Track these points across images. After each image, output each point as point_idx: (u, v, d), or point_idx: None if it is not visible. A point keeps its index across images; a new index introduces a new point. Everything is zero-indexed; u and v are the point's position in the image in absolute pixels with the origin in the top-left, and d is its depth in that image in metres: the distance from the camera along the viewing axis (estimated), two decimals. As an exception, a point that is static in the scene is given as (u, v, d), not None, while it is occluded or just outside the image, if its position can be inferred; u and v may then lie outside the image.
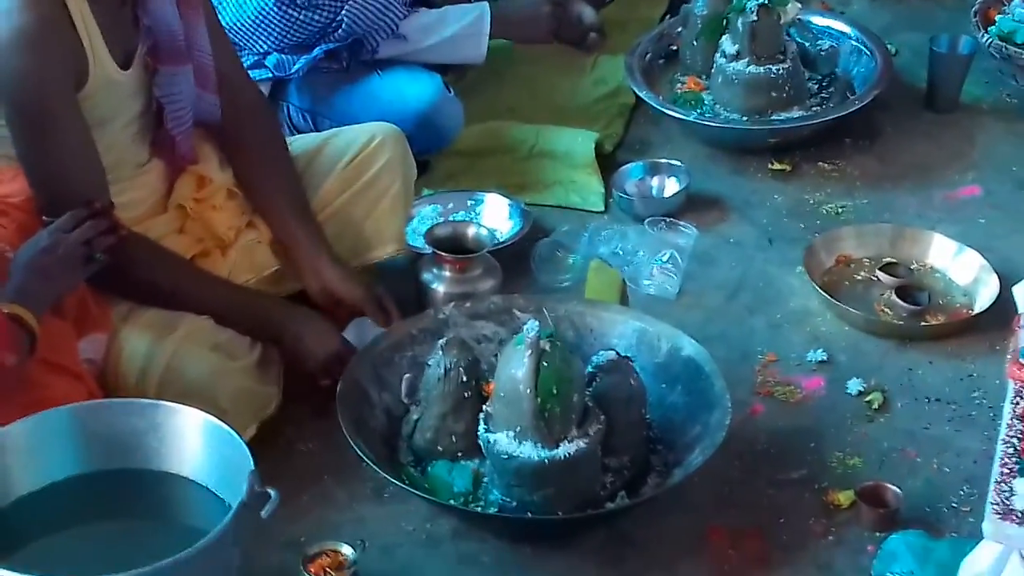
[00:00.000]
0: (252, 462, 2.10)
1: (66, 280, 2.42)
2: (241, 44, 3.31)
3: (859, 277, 3.11)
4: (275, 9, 3.31)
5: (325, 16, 3.35)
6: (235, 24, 3.34)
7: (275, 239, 2.84)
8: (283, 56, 3.39)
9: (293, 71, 3.41)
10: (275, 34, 3.36)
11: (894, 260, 3.11)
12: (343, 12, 3.35)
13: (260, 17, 3.34)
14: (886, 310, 2.98)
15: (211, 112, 2.78)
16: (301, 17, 3.33)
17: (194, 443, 2.21)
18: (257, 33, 3.36)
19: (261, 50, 3.39)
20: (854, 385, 2.81)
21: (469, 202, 3.33)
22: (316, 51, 3.38)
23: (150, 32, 2.63)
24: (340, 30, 3.36)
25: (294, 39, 3.38)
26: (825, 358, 2.88)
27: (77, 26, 2.50)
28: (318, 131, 3.26)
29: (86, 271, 2.44)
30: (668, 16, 4.03)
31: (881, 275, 3.05)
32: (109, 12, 2.55)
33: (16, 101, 2.48)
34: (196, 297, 2.65)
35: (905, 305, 2.96)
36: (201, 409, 2.24)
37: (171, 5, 2.64)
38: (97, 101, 2.56)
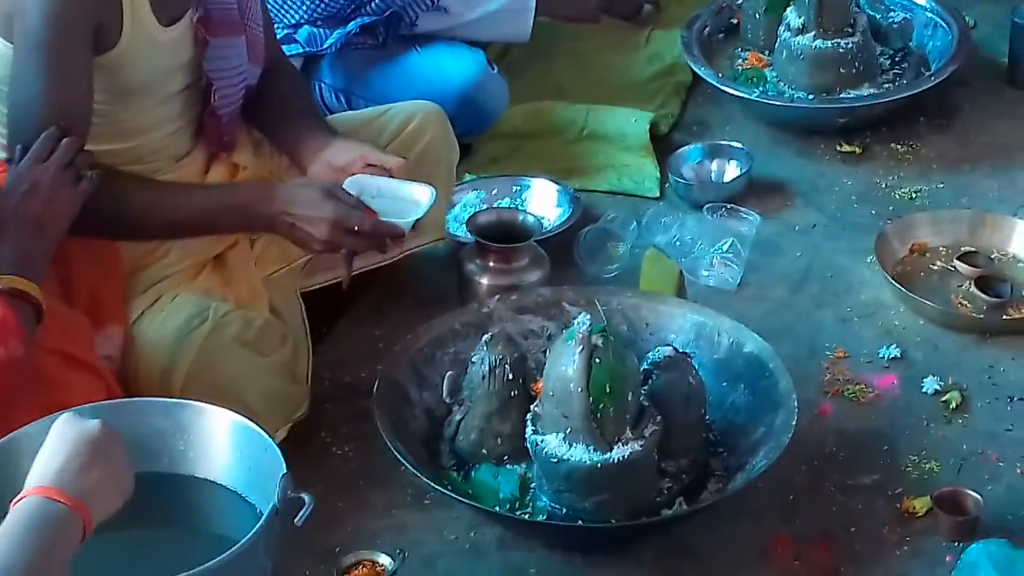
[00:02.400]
0: (285, 465, 2.08)
1: (61, 218, 2.39)
2: (272, 15, 3.33)
3: (935, 267, 3.10)
4: None
5: None
6: None
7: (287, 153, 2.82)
8: (315, 29, 3.41)
9: (326, 46, 3.42)
10: (308, 1, 3.37)
11: (973, 249, 3.10)
12: None
13: None
14: (965, 303, 2.97)
15: (249, 87, 2.79)
16: None
17: (223, 445, 2.19)
18: (290, 1, 3.38)
19: (293, 21, 3.41)
20: (930, 384, 2.80)
21: (514, 187, 3.34)
22: (351, 25, 3.40)
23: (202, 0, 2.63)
24: (376, 0, 3.38)
25: (328, 8, 3.40)
26: (899, 355, 2.88)
27: None
28: (351, 109, 3.30)
29: (79, 197, 2.41)
30: (728, -14, 4.03)
31: (959, 265, 3.04)
32: None
33: (31, 19, 2.41)
34: (169, 212, 2.59)
35: (985, 297, 2.95)
36: (233, 407, 2.23)
37: None
38: (132, 60, 2.53)
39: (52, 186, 2.37)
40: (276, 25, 3.32)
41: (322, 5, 3.38)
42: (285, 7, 3.40)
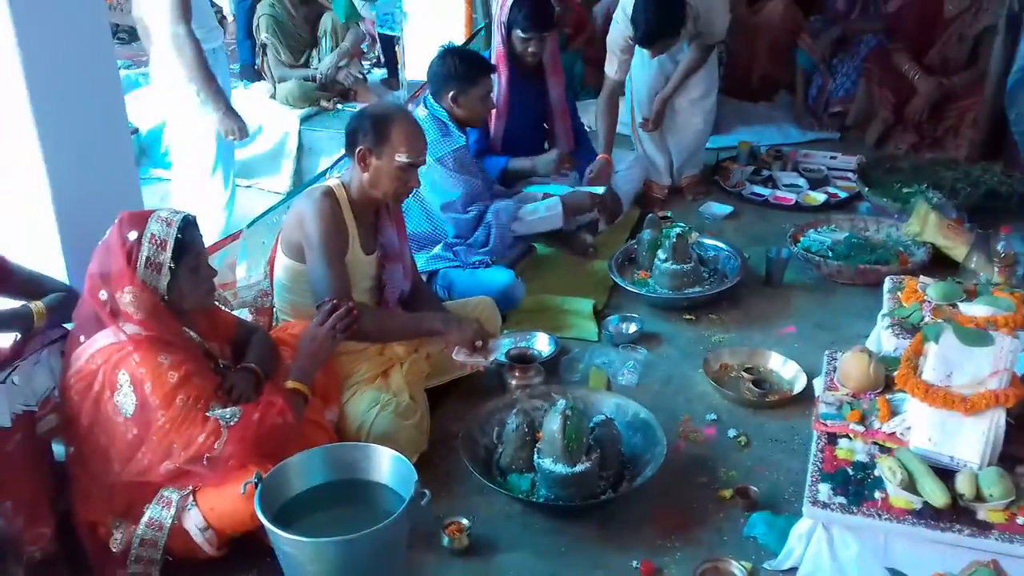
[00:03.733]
0: (415, 475, 2.10)
1: (324, 354, 2.42)
2: (414, 248, 3.25)
3: (733, 375, 3.07)
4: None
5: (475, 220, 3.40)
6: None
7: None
8: (447, 252, 3.38)
9: (437, 267, 3.39)
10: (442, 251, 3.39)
11: (751, 366, 3.07)
12: (490, 217, 3.36)
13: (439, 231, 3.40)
14: (747, 392, 2.94)
15: (403, 292, 2.79)
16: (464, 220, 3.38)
17: (386, 465, 2.20)
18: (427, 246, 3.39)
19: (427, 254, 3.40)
20: (731, 432, 2.77)
21: (528, 336, 3.26)
22: (470, 258, 3.38)
23: (382, 246, 2.66)
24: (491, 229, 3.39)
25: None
26: (715, 418, 2.85)
27: (348, 223, 2.54)
28: (451, 299, 3.27)
29: (335, 345, 2.44)
30: (630, 240, 3.92)
31: (744, 374, 3.02)
32: (363, 227, 2.60)
33: (316, 242, 2.48)
34: (394, 328, 2.63)
35: (757, 390, 2.93)
36: (391, 447, 2.23)
37: (394, 232, 2.68)
38: (350, 269, 2.55)
39: (322, 339, 2.41)
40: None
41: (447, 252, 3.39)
42: (421, 244, 3.39)
